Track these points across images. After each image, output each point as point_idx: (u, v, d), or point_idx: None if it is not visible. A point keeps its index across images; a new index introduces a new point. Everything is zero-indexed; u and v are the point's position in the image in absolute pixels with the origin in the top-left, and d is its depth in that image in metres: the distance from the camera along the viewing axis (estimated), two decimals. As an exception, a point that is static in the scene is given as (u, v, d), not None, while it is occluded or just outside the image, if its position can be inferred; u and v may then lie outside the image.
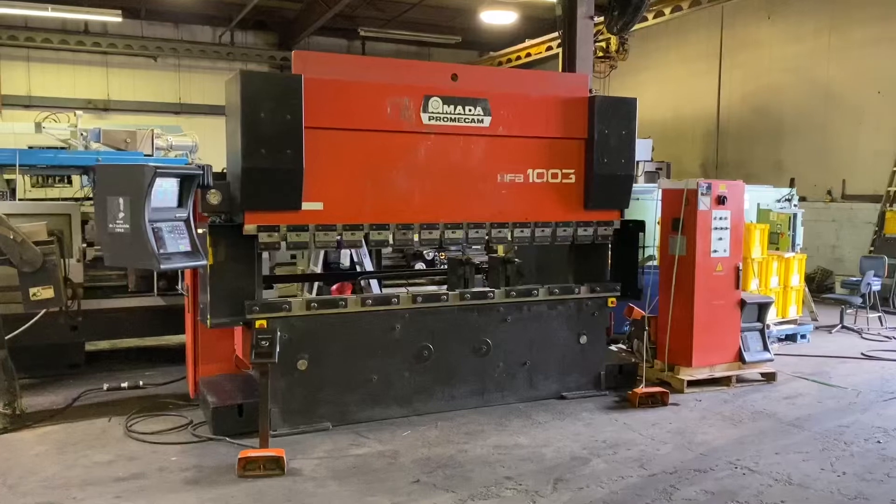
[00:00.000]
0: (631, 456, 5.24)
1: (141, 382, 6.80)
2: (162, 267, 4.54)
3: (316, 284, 8.15)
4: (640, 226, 6.80)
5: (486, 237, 6.15)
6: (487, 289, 6.34)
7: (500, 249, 10.43)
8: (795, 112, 14.42)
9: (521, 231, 6.25)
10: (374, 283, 7.73)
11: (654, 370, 7.12)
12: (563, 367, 6.57)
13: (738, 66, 15.59)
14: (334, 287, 8.17)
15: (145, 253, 4.45)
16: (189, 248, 4.78)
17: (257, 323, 5.45)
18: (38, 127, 11.73)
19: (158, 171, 4.51)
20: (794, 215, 10.13)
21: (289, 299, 5.60)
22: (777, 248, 9.79)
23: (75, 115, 12.27)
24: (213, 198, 5.49)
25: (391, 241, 5.87)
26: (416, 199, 5.88)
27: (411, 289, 6.68)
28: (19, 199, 9.26)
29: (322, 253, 8.70)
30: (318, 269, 8.54)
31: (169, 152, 12.73)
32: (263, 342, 4.94)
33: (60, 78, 17.76)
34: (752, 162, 15.15)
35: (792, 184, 12.84)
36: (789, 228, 9.94)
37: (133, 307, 7.34)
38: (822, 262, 13.46)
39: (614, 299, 6.74)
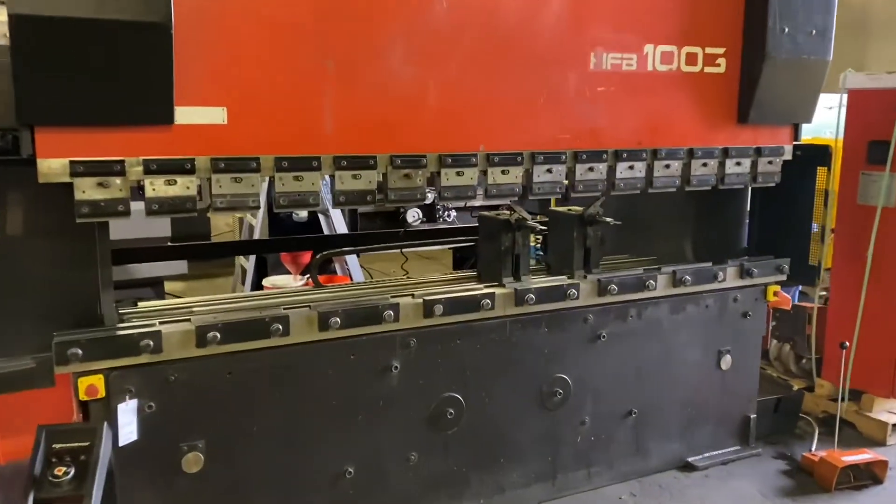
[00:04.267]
0: None
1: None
2: None
3: (251, 270, 5.09)
4: (818, 154, 3.80)
5: (565, 182, 3.12)
6: (564, 279, 3.34)
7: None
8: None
9: (630, 168, 3.22)
10: (351, 259, 4.67)
11: (816, 397, 4.29)
12: (689, 413, 3.66)
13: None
14: (285, 255, 5.14)
15: None
16: None
17: (84, 383, 2.43)
18: None
19: None
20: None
21: (158, 328, 2.54)
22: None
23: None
24: (-27, 97, 2.39)
25: (381, 192, 2.80)
26: (432, 105, 2.80)
27: (416, 278, 3.59)
28: None
29: (264, 195, 5.51)
30: (258, 225, 5.47)
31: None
32: (64, 470, 1.92)
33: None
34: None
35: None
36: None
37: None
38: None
39: (778, 287, 3.81)
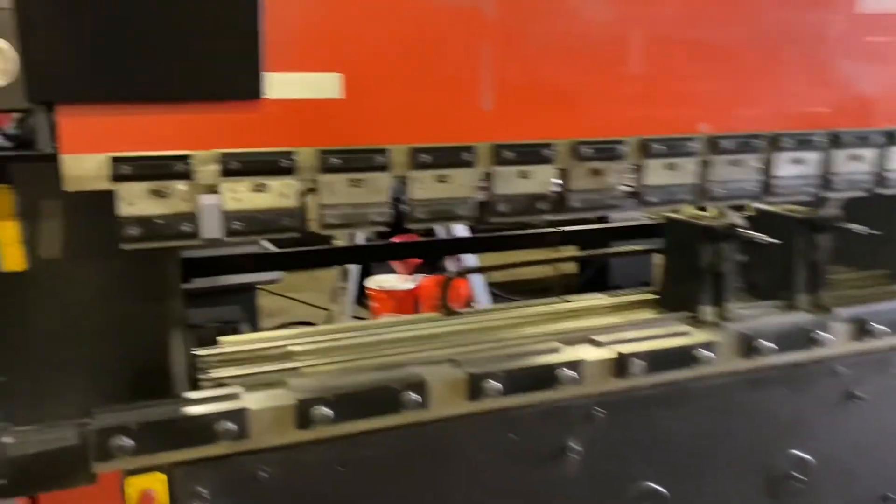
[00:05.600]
0: None
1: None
2: None
3: (355, 269, 4.32)
4: None
5: (815, 181, 2.15)
6: (808, 317, 2.35)
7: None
8: None
9: (902, 155, 2.22)
10: (477, 279, 3.80)
11: None
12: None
13: None
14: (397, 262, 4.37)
15: None
16: None
17: (135, 486, 1.66)
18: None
19: None
20: None
21: (242, 402, 1.74)
22: None
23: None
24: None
25: (557, 199, 1.91)
26: (630, 66, 1.89)
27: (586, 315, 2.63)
28: None
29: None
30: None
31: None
32: None
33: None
34: None
35: None
36: None
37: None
38: None
39: None
